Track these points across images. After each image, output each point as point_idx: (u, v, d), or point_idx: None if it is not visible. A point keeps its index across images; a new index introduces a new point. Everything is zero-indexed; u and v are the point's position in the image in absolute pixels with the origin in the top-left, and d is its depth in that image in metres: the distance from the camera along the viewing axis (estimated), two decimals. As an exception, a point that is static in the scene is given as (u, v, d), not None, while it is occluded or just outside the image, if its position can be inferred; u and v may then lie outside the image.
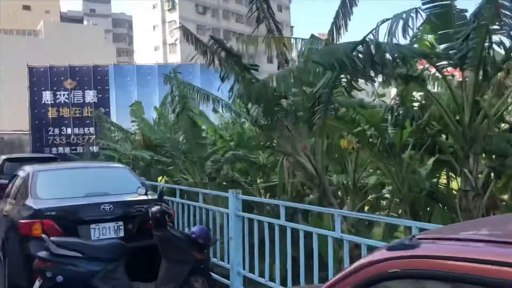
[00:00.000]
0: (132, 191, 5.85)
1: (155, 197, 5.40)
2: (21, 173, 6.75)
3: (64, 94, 28.94)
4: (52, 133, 28.89)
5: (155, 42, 50.82)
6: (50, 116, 28.51)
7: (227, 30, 55.55)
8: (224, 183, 8.32)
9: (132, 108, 12.92)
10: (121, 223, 5.60)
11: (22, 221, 5.34)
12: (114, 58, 47.37)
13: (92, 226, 5.47)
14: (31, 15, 62.17)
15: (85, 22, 70.54)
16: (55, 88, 28.57)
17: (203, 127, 9.86)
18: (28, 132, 37.85)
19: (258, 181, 7.97)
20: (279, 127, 6.15)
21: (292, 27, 65.12)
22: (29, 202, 5.61)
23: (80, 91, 29.19)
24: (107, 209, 5.53)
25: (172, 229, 4.91)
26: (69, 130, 29.08)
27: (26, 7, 64.72)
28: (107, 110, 29.17)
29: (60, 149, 27.47)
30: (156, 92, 28.62)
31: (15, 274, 5.48)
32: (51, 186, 6.11)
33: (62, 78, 28.77)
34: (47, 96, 28.84)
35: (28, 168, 6.64)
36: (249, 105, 6.45)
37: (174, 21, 50.31)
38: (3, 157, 11.30)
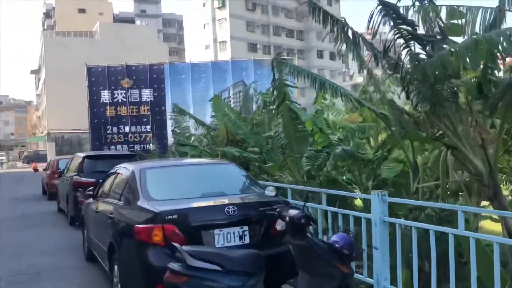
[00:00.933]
0: (248, 190, 5.40)
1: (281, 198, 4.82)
2: (123, 171, 6.16)
3: (121, 93, 29.41)
4: (110, 132, 29.44)
5: (206, 40, 51.03)
6: (108, 115, 29.04)
7: (276, 26, 54.98)
8: (320, 181, 7.48)
9: (212, 102, 12.53)
10: (246, 227, 4.93)
11: (139, 226, 4.73)
12: (167, 57, 48.03)
13: (216, 231, 4.82)
14: (86, 18, 64.20)
15: (137, 23, 72.07)
16: (112, 87, 29.10)
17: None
18: (86, 131, 39.13)
19: (364, 179, 7.14)
20: (449, 113, 5.03)
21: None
22: (143, 203, 5.01)
23: (137, 89, 29.58)
24: (231, 211, 4.88)
25: (314, 237, 4.16)
26: (126, 128, 29.53)
27: (82, 10, 66.98)
28: (163, 108, 29.40)
29: (118, 147, 27.92)
30: (211, 89, 28.55)
31: (130, 287, 5.02)
32: (163, 185, 5.54)
33: (120, 77, 29.26)
34: (105, 95, 29.41)
35: (130, 166, 6.01)
36: (404, 89, 5.34)
37: (224, 19, 50.31)
38: (82, 154, 11.46)
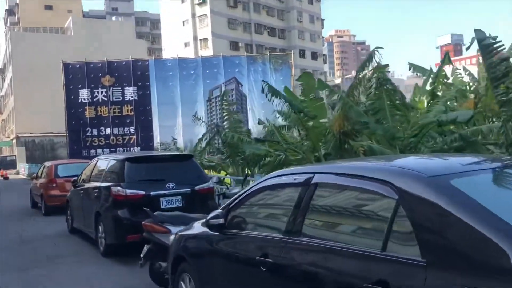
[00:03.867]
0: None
1: None
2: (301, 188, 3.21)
3: (102, 92, 27.16)
4: (90, 134, 27.13)
5: (185, 38, 48.78)
6: (87, 116, 26.76)
7: (258, 24, 53.31)
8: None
9: (302, 82, 10.33)
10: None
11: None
12: (145, 54, 45.54)
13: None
14: (54, 14, 60.94)
15: (109, 21, 68.95)
16: (92, 85, 26.80)
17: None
18: (60, 134, 36.31)
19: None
20: None
21: (323, 20, 62.61)
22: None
23: (119, 88, 27.35)
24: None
25: None
26: (108, 130, 27.28)
27: (48, 7, 63.55)
28: (149, 108, 27.25)
29: (99, 150, 25.58)
30: (201, 86, 26.62)
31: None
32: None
33: (100, 75, 26.98)
34: (84, 94, 27.06)
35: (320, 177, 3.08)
36: None
37: (205, 15, 48.23)
38: (120, 157, 8.12)
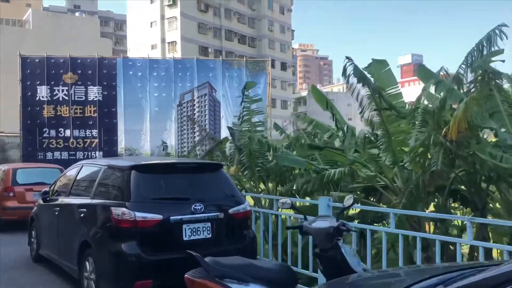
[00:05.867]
0: None
1: None
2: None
3: (63, 90, 25.00)
4: (47, 135, 24.84)
5: (153, 40, 46.88)
6: (45, 115, 24.50)
7: (229, 30, 52.15)
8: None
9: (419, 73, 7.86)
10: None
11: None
12: (110, 54, 43.32)
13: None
14: (10, 8, 57.52)
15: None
16: (52, 82, 24.62)
17: None
18: (13, 134, 33.46)
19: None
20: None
21: (293, 30, 62.26)
22: None
23: (82, 86, 25.28)
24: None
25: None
26: (67, 132, 25.10)
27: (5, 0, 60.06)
28: (114, 109, 25.30)
29: (57, 154, 23.44)
30: (172, 89, 25.03)
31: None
32: None
33: (62, 71, 24.83)
34: (42, 92, 24.83)
35: None
36: None
37: (174, 17, 46.57)
38: (124, 164, 5.72)
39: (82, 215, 5.85)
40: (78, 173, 6.70)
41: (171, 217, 5.16)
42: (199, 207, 5.27)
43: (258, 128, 9.84)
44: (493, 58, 6.25)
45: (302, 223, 4.27)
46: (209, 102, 25.54)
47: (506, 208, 6.26)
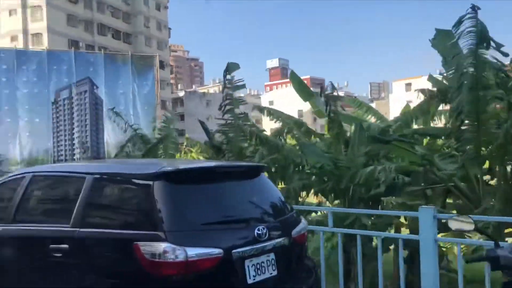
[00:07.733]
0: None
1: None
2: None
3: None
4: None
5: (12, 30, 41.46)
6: None
7: (102, 24, 48.61)
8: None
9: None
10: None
11: None
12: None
13: None
14: None
15: None
16: None
17: None
18: None
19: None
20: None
21: (170, 28, 60.57)
22: None
23: None
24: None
25: None
26: None
27: None
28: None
29: None
30: (45, 84, 22.33)
31: None
32: None
33: None
34: None
35: None
36: None
37: (39, 7, 41.83)
38: (144, 170, 3.53)
39: (59, 255, 3.51)
40: (26, 188, 4.11)
41: (233, 251, 3.33)
42: (263, 231, 3.50)
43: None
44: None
45: (491, 253, 2.85)
46: (90, 100, 23.29)
47: None
